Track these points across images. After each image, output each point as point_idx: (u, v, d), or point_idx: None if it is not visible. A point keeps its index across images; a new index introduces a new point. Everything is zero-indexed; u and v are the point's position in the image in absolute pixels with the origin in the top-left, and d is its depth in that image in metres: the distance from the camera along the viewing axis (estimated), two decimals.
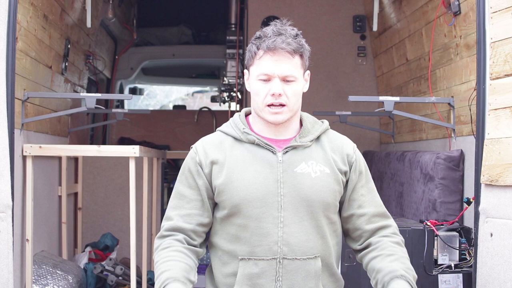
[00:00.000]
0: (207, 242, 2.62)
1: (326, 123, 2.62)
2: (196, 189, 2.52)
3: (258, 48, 2.47)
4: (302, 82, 2.53)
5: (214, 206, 2.56)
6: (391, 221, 2.64)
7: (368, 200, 2.59)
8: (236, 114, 2.65)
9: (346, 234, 2.66)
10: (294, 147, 2.52)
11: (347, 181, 2.57)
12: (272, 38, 2.44)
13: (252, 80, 2.51)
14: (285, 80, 2.46)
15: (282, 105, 2.47)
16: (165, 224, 2.54)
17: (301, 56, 2.50)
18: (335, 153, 2.56)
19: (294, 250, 2.45)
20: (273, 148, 2.50)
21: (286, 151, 2.51)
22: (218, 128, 2.64)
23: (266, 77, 2.46)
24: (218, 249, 2.53)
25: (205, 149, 2.54)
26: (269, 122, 2.50)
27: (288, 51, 2.44)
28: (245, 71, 2.57)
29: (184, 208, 2.53)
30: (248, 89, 2.56)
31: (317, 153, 2.53)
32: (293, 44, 2.46)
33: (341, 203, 2.59)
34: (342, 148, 2.58)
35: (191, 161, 2.55)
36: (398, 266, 2.44)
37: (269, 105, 2.47)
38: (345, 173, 2.55)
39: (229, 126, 2.59)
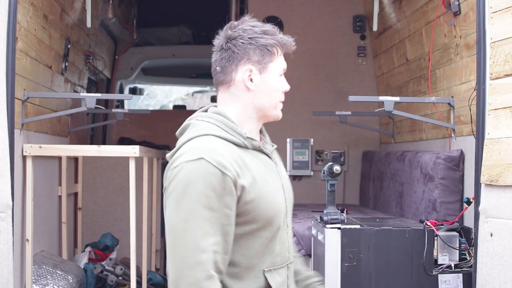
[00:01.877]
0: None
1: None
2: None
3: (278, 45, 2.37)
4: None
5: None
6: None
7: None
8: (218, 116, 2.31)
9: None
10: (274, 149, 2.48)
11: None
12: (284, 35, 2.40)
13: (271, 77, 2.36)
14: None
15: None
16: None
17: None
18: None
19: (291, 253, 2.44)
20: (269, 153, 2.41)
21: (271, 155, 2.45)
22: (208, 133, 2.26)
23: (283, 73, 2.43)
24: (234, 267, 2.27)
25: (231, 163, 2.21)
26: (275, 119, 2.42)
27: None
28: (252, 67, 2.33)
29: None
30: (251, 87, 2.33)
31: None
32: None
33: None
34: None
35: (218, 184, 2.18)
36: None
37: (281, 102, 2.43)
38: None
39: (223, 131, 2.28)
